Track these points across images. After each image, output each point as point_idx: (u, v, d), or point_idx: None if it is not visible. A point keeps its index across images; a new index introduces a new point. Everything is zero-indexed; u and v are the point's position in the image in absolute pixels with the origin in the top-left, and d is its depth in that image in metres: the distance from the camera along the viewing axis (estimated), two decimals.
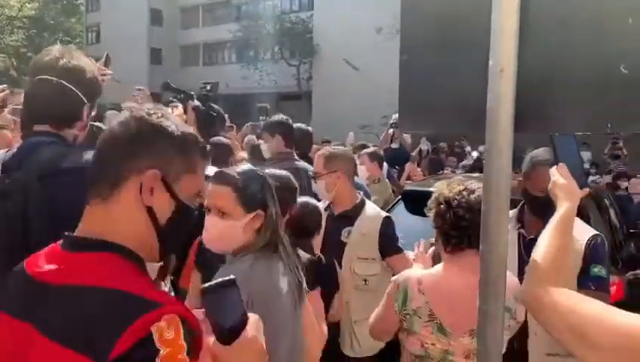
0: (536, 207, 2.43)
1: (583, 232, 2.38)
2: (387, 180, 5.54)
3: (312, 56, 31.52)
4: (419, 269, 2.15)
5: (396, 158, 7.92)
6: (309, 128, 4.54)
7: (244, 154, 5.06)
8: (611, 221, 4.51)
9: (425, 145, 9.47)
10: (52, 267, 1.05)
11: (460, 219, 1.93)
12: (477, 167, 7.93)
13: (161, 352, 0.89)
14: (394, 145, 8.71)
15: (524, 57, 1.33)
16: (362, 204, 3.00)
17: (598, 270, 2.28)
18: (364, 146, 7.30)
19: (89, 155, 1.47)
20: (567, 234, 1.37)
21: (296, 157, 3.75)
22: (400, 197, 4.33)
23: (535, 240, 2.36)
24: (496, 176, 1.33)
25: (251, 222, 1.77)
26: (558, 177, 1.44)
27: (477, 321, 1.42)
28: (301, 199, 2.36)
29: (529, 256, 2.35)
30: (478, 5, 1.38)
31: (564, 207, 1.40)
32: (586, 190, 1.42)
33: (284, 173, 2.26)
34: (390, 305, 2.04)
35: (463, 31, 1.46)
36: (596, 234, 2.38)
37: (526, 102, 1.35)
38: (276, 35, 32.40)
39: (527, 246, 2.42)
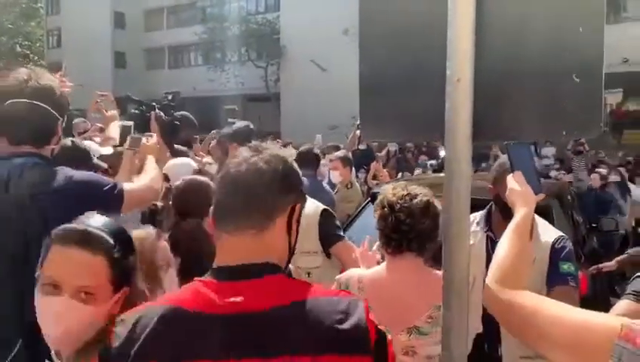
0: (507, 212, 2.47)
1: (548, 232, 2.44)
2: (357, 185, 5.59)
3: (280, 58, 31.49)
4: (361, 269, 2.21)
5: (364, 159, 7.99)
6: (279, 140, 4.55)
7: (209, 159, 5.03)
8: (574, 217, 4.62)
9: (393, 146, 9.55)
10: (238, 299, 1.07)
11: (400, 223, 1.99)
12: (442, 166, 8.05)
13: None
14: (361, 147, 8.77)
15: (480, 67, 1.35)
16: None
17: (567, 267, 2.35)
18: (337, 148, 7.34)
19: (73, 173, 1.88)
20: (524, 238, 1.42)
21: None
22: (369, 198, 4.36)
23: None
24: (456, 184, 1.35)
25: (114, 305, 1.31)
26: (514, 184, 1.48)
27: (441, 326, 1.43)
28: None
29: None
30: (435, 16, 1.39)
31: (521, 212, 1.44)
32: (541, 195, 1.46)
33: (202, 179, 2.37)
34: None
35: (420, 41, 1.47)
36: (561, 236, 2.44)
37: (482, 111, 1.37)
38: (243, 37, 32.24)
39: (495, 248, 2.46)
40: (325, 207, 3.09)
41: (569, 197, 4.89)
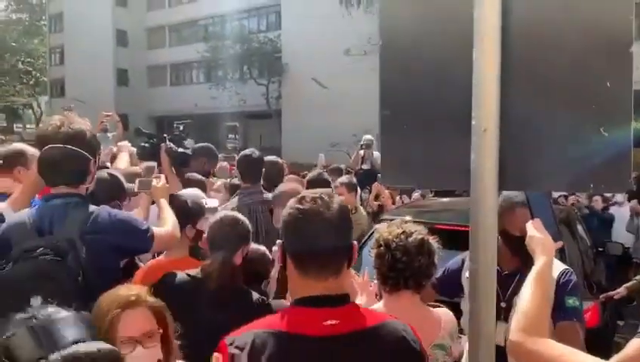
0: (515, 246, 2.46)
1: (553, 267, 2.43)
2: (362, 210, 5.55)
3: (281, 75, 31.64)
4: (360, 302, 2.20)
5: (367, 179, 7.96)
6: (279, 160, 4.51)
7: (217, 181, 5.04)
8: (582, 243, 4.59)
9: None
10: (333, 322, 1.34)
11: (396, 261, 2.01)
12: (447, 190, 7.96)
13: None
14: (365, 166, 8.75)
15: (507, 117, 1.35)
16: None
17: (572, 301, 2.33)
18: (339, 170, 7.32)
19: (115, 213, 2.13)
20: (546, 285, 1.46)
21: (262, 190, 3.73)
22: (375, 227, 4.33)
23: (510, 275, 2.42)
24: (482, 235, 1.34)
25: None
26: (534, 232, 1.50)
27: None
28: (252, 246, 2.45)
29: (504, 290, 2.46)
30: (460, 64, 1.39)
31: (541, 260, 1.49)
32: (560, 243, 1.47)
33: (236, 215, 2.37)
34: None
35: (443, 86, 1.47)
36: (566, 269, 2.43)
37: (508, 160, 1.36)
38: (244, 55, 32.43)
39: (502, 281, 2.45)
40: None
41: (577, 223, 4.86)
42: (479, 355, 1.38)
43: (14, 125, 51.97)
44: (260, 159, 3.80)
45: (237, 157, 3.97)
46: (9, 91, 47.38)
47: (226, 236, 2.26)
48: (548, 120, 1.34)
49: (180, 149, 3.36)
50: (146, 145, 3.31)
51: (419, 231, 2.08)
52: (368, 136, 9.24)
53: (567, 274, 2.39)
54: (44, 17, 46.86)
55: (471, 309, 1.37)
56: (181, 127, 3.58)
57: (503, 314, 2.41)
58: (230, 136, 35.06)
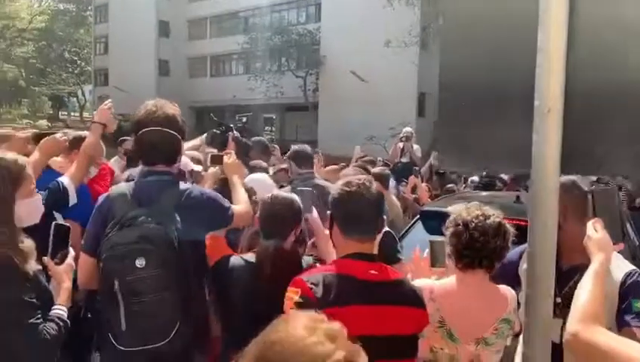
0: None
1: (619, 268, 2.32)
2: (393, 198, 5.46)
3: (319, 68, 31.60)
4: (431, 281, 2.33)
5: (405, 172, 7.89)
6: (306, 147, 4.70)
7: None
8: (631, 243, 4.42)
9: (436, 160, 9.39)
10: (375, 272, 1.86)
11: (474, 240, 2.12)
12: (487, 183, 7.83)
13: None
14: (404, 160, 8.68)
15: (571, 97, 1.31)
16: None
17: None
18: (372, 162, 7.28)
19: (204, 191, 2.41)
20: (601, 285, 1.48)
21: (316, 175, 4.13)
22: (418, 216, 4.33)
23: (569, 272, 2.32)
24: (543, 219, 1.30)
25: None
26: (593, 231, 1.50)
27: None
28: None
29: (561, 286, 2.37)
30: (523, 43, 1.36)
31: (598, 259, 1.51)
32: (621, 245, 1.44)
33: (288, 195, 2.50)
34: None
35: (505, 67, 1.44)
36: (633, 270, 2.32)
37: (572, 143, 1.32)
38: (283, 47, 32.52)
39: (560, 276, 2.36)
40: (387, 229, 3.08)
41: (626, 221, 4.69)
42: (535, 341, 1.35)
43: (59, 112, 53.59)
44: (311, 152, 4.22)
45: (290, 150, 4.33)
46: (55, 80, 48.87)
47: (280, 218, 2.31)
48: (615, 100, 1.29)
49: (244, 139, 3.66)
50: (217, 131, 3.54)
51: (496, 215, 2.18)
52: (408, 129, 9.16)
53: (634, 274, 2.22)
54: (89, 8, 48.03)
55: (526, 291, 1.34)
56: (244, 119, 3.87)
57: (559, 310, 2.32)
58: (267, 127, 35.42)
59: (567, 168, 1.32)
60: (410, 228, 4.22)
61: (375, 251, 1.94)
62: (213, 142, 3.70)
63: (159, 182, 2.25)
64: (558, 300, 2.35)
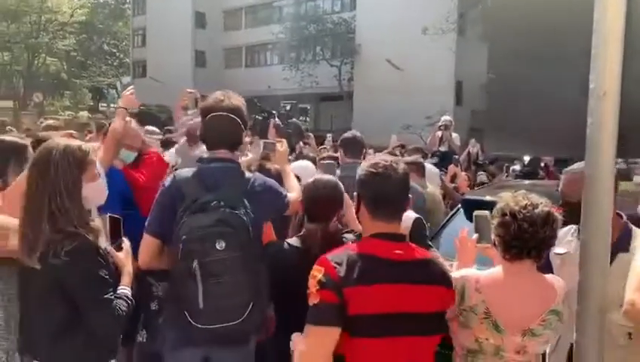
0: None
1: None
2: (430, 186, 5.38)
3: (354, 57, 31.41)
4: (477, 271, 2.32)
5: (444, 161, 7.81)
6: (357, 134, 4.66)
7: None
8: None
9: (474, 148, 9.24)
10: (400, 251, 1.89)
11: (523, 231, 2.08)
12: (529, 172, 7.69)
13: None
14: (442, 148, 8.59)
15: (628, 80, 1.28)
16: None
17: None
18: (419, 150, 7.23)
19: (265, 180, 2.47)
20: None
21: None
22: (460, 205, 4.29)
23: None
24: (599, 202, 1.28)
25: None
26: None
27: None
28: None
29: None
30: (578, 25, 1.33)
31: None
32: None
33: (330, 179, 2.59)
34: None
35: (556, 47, 1.41)
36: None
37: (628, 125, 1.29)
38: (318, 36, 32.43)
39: None
40: (418, 216, 3.13)
41: None
42: (586, 327, 1.33)
43: (99, 104, 54.91)
44: (361, 138, 4.25)
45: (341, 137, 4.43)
46: (95, 72, 50.01)
47: (323, 201, 2.38)
48: None
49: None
50: (260, 118, 3.67)
51: (544, 204, 2.12)
52: (447, 117, 9.04)
53: None
54: (128, 0, 48.89)
55: (580, 273, 1.32)
56: (287, 107, 4.03)
57: None
58: (301, 117, 35.40)
59: (623, 151, 1.29)
60: (451, 217, 4.19)
61: (402, 231, 1.97)
62: (255, 128, 3.81)
63: (225, 168, 2.37)
64: None
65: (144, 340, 2.96)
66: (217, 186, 2.27)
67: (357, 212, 2.00)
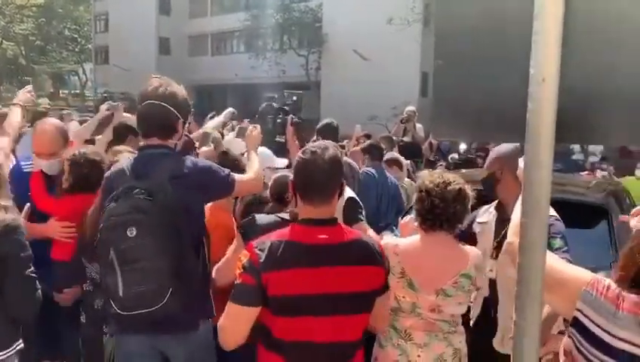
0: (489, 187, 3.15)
1: None
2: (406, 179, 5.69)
3: (321, 46, 31.34)
4: (397, 238, 2.63)
5: (408, 152, 7.87)
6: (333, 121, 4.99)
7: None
8: None
9: (435, 140, 9.34)
10: (324, 236, 1.97)
11: (435, 206, 2.38)
12: (465, 160, 7.94)
13: None
14: (406, 139, 8.65)
15: (567, 66, 1.29)
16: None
17: (555, 243, 2.55)
18: (390, 139, 7.33)
19: (197, 161, 2.48)
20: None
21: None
22: (419, 173, 4.56)
23: (505, 222, 2.64)
24: (536, 191, 1.30)
25: None
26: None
27: (513, 332, 1.40)
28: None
29: (497, 234, 2.96)
30: (519, 10, 1.34)
31: None
32: None
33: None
34: None
35: (499, 34, 1.42)
36: (552, 215, 2.59)
37: (568, 112, 1.31)
38: (285, 25, 32.21)
39: (499, 226, 3.00)
40: (352, 195, 3.31)
41: (626, 196, 4.68)
42: (525, 310, 1.36)
43: (60, 91, 53.38)
44: (337, 127, 4.62)
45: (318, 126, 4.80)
46: (56, 58, 48.57)
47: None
48: (612, 68, 1.28)
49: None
50: (279, 120, 3.99)
51: (457, 182, 2.41)
52: (411, 108, 9.09)
53: (551, 219, 2.56)
54: None
55: (519, 259, 1.34)
56: (294, 98, 4.28)
57: (495, 253, 2.91)
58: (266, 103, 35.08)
59: (562, 137, 1.31)
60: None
61: (333, 214, 2.04)
62: (263, 114, 4.13)
63: (154, 155, 2.37)
64: (494, 244, 2.95)
65: (84, 321, 2.97)
66: (145, 173, 2.29)
67: (294, 198, 2.08)
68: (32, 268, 2.21)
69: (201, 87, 37.08)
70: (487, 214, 3.14)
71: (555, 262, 1.62)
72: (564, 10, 1.28)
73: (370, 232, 3.00)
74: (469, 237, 2.96)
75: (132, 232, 2.12)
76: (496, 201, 3.11)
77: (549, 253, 1.42)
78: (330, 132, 4.34)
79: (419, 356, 2.39)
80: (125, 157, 2.75)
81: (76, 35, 50.05)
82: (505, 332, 2.82)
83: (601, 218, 3.69)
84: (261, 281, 1.89)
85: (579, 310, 1.56)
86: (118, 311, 2.19)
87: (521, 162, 2.09)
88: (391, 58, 25.64)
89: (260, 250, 1.93)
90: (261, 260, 1.91)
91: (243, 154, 3.30)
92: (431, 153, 8.88)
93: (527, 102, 1.31)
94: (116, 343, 2.52)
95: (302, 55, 31.90)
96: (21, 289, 2.18)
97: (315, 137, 4.59)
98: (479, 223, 3.14)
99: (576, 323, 1.58)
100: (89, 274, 2.87)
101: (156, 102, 2.35)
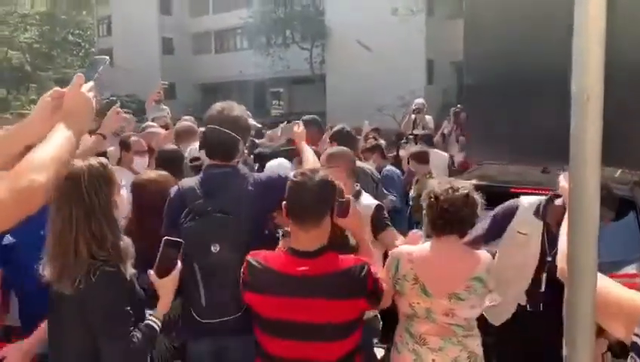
0: None
1: None
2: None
3: (325, 39, 31.10)
4: (410, 246, 2.66)
5: (427, 144, 7.77)
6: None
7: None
8: None
9: (447, 128, 9.24)
10: (305, 268, 2.07)
11: (444, 211, 2.45)
12: None
13: None
14: (416, 131, 8.57)
15: (612, 84, 1.21)
16: (358, 193, 3.33)
17: None
18: (377, 131, 7.37)
19: (259, 176, 2.73)
20: None
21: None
22: (428, 181, 4.47)
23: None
24: (585, 214, 1.22)
25: None
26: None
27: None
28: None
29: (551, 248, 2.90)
30: (557, 25, 1.25)
31: None
32: None
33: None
34: (387, 274, 2.55)
35: (539, 48, 1.34)
36: None
37: (614, 133, 1.23)
38: (287, 19, 32.00)
39: (551, 239, 2.93)
40: (378, 203, 3.39)
41: None
42: (576, 338, 1.28)
43: None
44: (350, 132, 4.66)
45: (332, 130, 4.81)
46: (61, 63, 48.70)
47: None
48: None
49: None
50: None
51: (464, 187, 2.48)
52: (420, 100, 9.00)
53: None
54: None
55: (566, 289, 1.27)
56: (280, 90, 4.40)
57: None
58: (274, 102, 34.98)
59: (606, 160, 1.23)
60: None
61: (324, 241, 2.13)
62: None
63: (222, 173, 2.58)
64: (549, 259, 2.93)
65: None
66: (215, 191, 2.49)
67: (287, 220, 2.18)
68: (131, 322, 2.10)
69: (206, 85, 37.03)
70: (529, 223, 3.10)
71: (610, 285, 1.56)
72: (605, 25, 1.19)
73: (399, 238, 3.06)
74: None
75: (216, 248, 2.38)
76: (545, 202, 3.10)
77: (602, 277, 1.35)
78: (344, 139, 4.32)
79: (433, 360, 2.45)
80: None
81: (80, 40, 50.07)
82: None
83: (628, 210, 3.61)
84: (245, 296, 2.17)
85: (637, 335, 1.50)
86: (197, 318, 2.45)
87: (563, 180, 2.09)
88: (396, 48, 25.41)
89: (249, 268, 2.15)
90: (246, 279, 2.16)
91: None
92: (442, 145, 8.80)
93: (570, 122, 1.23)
94: (188, 347, 2.69)
95: (305, 49, 31.68)
96: (111, 347, 2.04)
97: (328, 142, 4.51)
98: (520, 233, 3.11)
99: (634, 347, 1.51)
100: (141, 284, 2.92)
101: (217, 128, 2.56)
